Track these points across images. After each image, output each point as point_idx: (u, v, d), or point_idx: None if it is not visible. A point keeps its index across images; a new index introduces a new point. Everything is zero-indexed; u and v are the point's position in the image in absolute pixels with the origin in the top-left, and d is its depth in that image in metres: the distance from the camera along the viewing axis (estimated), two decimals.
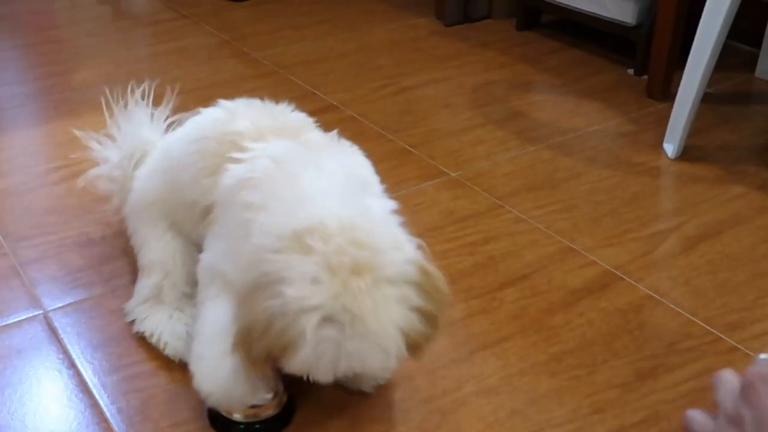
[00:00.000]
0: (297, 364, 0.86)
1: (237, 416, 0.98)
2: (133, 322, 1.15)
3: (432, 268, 0.92)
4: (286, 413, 1.01)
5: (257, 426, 0.99)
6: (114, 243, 1.35)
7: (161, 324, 1.13)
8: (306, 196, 0.92)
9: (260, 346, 0.87)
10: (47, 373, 1.08)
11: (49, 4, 2.54)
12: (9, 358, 1.11)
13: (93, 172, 1.35)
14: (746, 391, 0.63)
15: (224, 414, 0.99)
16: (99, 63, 2.09)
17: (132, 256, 1.31)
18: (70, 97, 1.88)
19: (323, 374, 0.87)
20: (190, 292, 1.13)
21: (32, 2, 2.54)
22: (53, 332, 1.16)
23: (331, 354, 0.85)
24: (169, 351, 1.10)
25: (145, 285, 1.16)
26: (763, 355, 0.64)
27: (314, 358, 0.85)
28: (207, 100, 1.13)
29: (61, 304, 1.21)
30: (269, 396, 0.98)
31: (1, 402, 1.03)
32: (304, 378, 0.88)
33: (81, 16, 2.43)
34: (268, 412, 0.99)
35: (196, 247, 1.11)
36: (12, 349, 1.12)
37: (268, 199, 0.93)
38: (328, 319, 0.84)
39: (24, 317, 1.19)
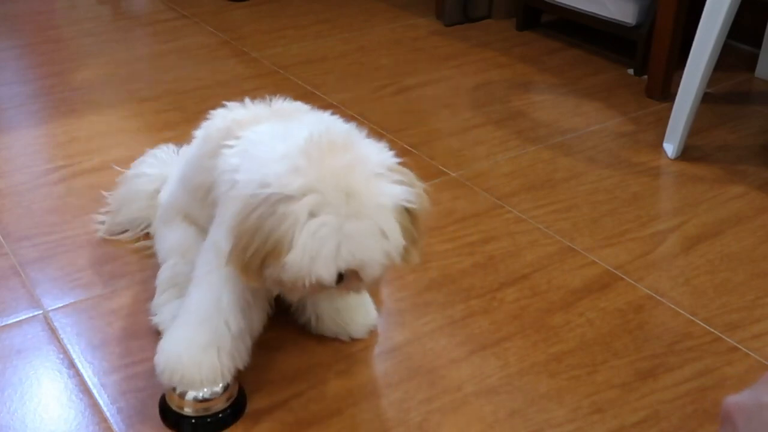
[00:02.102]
0: (296, 259, 0.86)
1: (187, 410, 0.99)
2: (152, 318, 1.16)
3: (410, 172, 0.95)
4: (236, 407, 1.01)
5: (208, 420, 0.99)
6: (114, 243, 1.35)
7: (172, 315, 1.12)
8: (282, 149, 0.94)
9: (254, 250, 0.88)
10: (47, 373, 1.08)
11: (49, 4, 2.54)
12: (9, 358, 1.11)
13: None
14: (724, 423, 0.59)
15: (175, 408, 0.99)
16: (99, 63, 2.09)
17: (132, 256, 1.31)
18: (70, 97, 1.88)
19: (324, 266, 0.86)
20: None
21: (32, 2, 2.54)
22: (53, 332, 1.16)
23: (331, 238, 0.86)
24: None
25: (161, 274, 1.17)
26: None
27: (313, 247, 0.86)
28: (207, 100, 1.14)
29: (61, 304, 1.21)
30: (219, 389, 0.99)
31: (1, 402, 1.03)
32: (304, 283, 0.87)
33: (81, 16, 2.43)
34: (219, 406, 0.99)
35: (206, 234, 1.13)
36: (12, 349, 1.12)
37: (245, 160, 0.95)
38: (322, 203, 0.86)
39: (24, 317, 1.19)
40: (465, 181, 1.55)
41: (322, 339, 1.14)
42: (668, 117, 1.66)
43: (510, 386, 1.07)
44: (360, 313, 1.14)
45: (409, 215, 0.93)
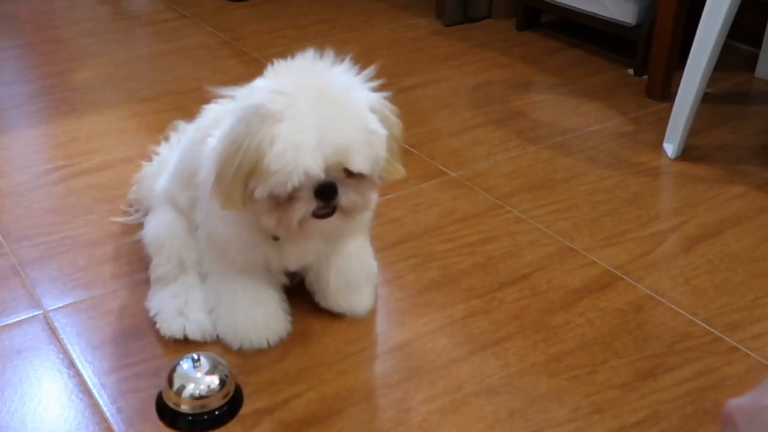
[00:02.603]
0: (281, 149, 0.89)
1: (184, 408, 1.00)
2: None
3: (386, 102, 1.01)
4: (233, 404, 1.02)
5: (205, 417, 1.00)
6: (114, 243, 1.35)
7: (162, 302, 1.15)
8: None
9: (236, 169, 0.92)
10: (47, 373, 1.08)
11: (49, 4, 2.54)
12: (9, 358, 1.11)
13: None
14: (726, 425, 0.59)
15: (171, 406, 1.00)
16: (99, 63, 2.09)
17: (132, 256, 1.31)
18: (70, 97, 1.88)
19: (309, 154, 0.88)
20: (195, 266, 1.18)
21: (32, 2, 2.54)
22: (53, 332, 1.16)
23: (311, 127, 0.89)
24: (162, 330, 1.13)
25: (151, 273, 1.19)
26: None
27: (293, 134, 0.89)
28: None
29: (61, 304, 1.21)
30: (216, 386, 1.00)
31: (1, 402, 1.03)
32: (294, 182, 0.89)
33: (81, 16, 2.43)
34: (215, 403, 1.00)
35: (191, 223, 1.18)
36: (12, 349, 1.12)
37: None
38: (296, 101, 0.90)
39: (24, 317, 1.19)
40: (465, 181, 1.55)
41: (322, 339, 1.14)
42: (668, 117, 1.66)
43: (510, 386, 1.07)
44: (363, 292, 1.18)
45: (385, 120, 0.97)
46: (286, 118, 0.90)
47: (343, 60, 1.02)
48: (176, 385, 1.00)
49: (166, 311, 1.13)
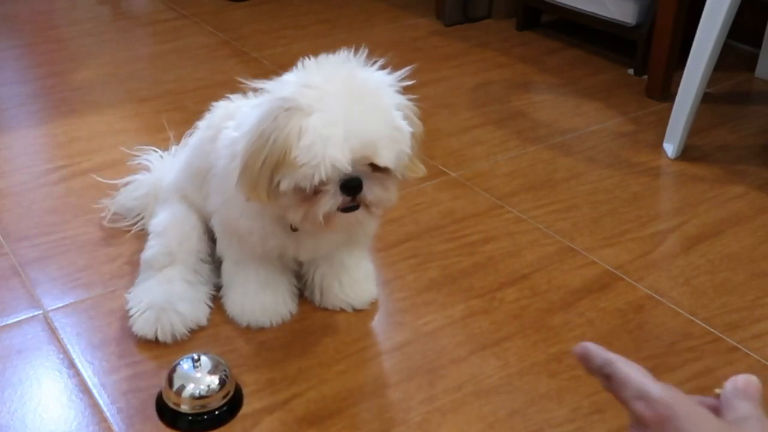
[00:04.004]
0: (309, 142, 0.90)
1: (184, 408, 1.00)
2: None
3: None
4: (233, 404, 1.02)
5: (205, 417, 1.00)
6: (114, 243, 1.35)
7: (142, 294, 1.15)
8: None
9: (262, 160, 0.92)
10: (47, 373, 1.08)
11: (49, 4, 2.54)
12: (9, 358, 1.11)
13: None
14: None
15: (171, 406, 1.00)
16: (99, 63, 2.09)
17: (132, 256, 1.31)
18: (70, 97, 1.88)
19: (336, 147, 0.89)
20: (196, 260, 1.20)
21: (32, 2, 2.54)
22: (53, 332, 1.16)
23: (339, 121, 0.90)
24: (134, 328, 1.13)
25: (144, 253, 1.21)
26: (718, 390, 0.62)
27: (321, 128, 0.89)
28: (207, 100, 1.14)
29: (61, 304, 1.21)
30: (216, 386, 1.01)
31: (1, 402, 1.03)
32: (321, 174, 0.90)
33: (81, 16, 2.43)
34: (215, 403, 1.00)
35: (201, 216, 1.21)
36: (12, 349, 1.12)
37: (242, 123, 1.01)
38: (323, 97, 0.91)
39: (24, 317, 1.19)
40: (465, 181, 1.55)
41: (322, 339, 1.15)
42: (668, 117, 1.66)
43: (510, 386, 1.07)
44: (362, 286, 1.19)
45: (409, 120, 0.99)
46: (314, 111, 0.91)
47: (374, 61, 1.04)
48: (176, 385, 1.00)
49: (141, 309, 1.13)
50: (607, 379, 0.58)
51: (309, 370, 1.09)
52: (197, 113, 1.21)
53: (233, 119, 1.06)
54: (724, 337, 1.16)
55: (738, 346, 1.14)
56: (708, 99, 1.84)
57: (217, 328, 1.16)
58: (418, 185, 1.53)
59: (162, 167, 1.40)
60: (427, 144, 1.68)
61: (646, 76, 1.95)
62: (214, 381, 1.01)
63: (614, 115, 1.83)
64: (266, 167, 0.93)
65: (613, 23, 2.04)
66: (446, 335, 1.15)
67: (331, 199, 0.94)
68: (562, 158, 1.64)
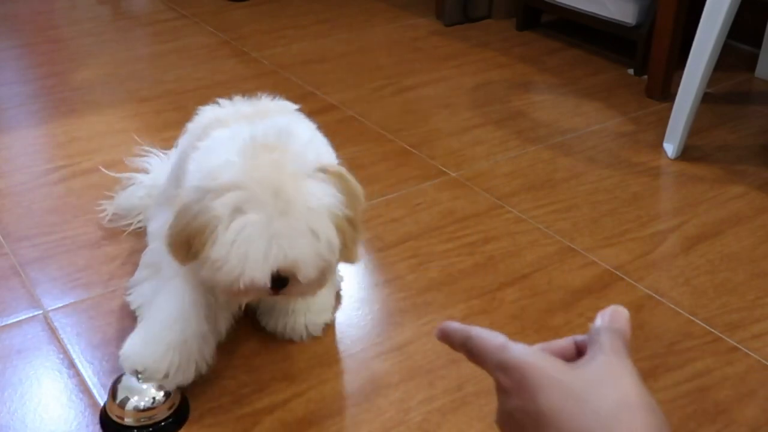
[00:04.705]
0: (225, 255, 0.86)
1: (129, 420, 0.97)
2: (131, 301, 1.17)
3: (345, 172, 0.95)
4: (179, 415, 1.00)
5: (150, 430, 0.97)
6: (114, 243, 1.35)
7: (146, 294, 1.14)
8: (226, 150, 0.95)
9: (180, 230, 0.91)
10: (47, 373, 1.08)
11: (49, 4, 2.54)
12: (9, 358, 1.11)
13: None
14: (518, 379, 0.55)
15: (115, 419, 0.98)
16: (99, 63, 2.09)
17: (132, 256, 1.31)
18: (70, 97, 1.88)
19: (256, 267, 0.86)
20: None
21: (32, 2, 2.54)
22: (53, 332, 1.16)
23: (260, 237, 0.86)
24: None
25: (144, 255, 1.20)
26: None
27: (242, 246, 0.86)
28: (207, 100, 1.13)
29: (61, 304, 1.21)
30: (161, 397, 0.97)
31: (1, 402, 1.03)
32: (239, 286, 0.87)
33: (81, 16, 2.43)
34: (161, 415, 0.98)
35: None
36: (12, 349, 1.12)
37: (196, 167, 0.97)
38: (248, 200, 0.87)
39: (24, 317, 1.19)
40: (465, 181, 1.55)
41: (322, 339, 1.14)
42: (668, 117, 1.66)
43: None
44: (313, 311, 1.13)
45: (345, 219, 0.93)
46: (236, 219, 0.87)
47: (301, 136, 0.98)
48: (120, 397, 0.98)
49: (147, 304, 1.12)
50: (470, 353, 0.58)
51: (309, 370, 1.09)
52: (195, 113, 1.21)
53: (206, 135, 1.02)
54: (724, 337, 1.16)
55: (738, 346, 1.14)
56: (708, 99, 1.84)
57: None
58: (418, 185, 1.53)
59: (160, 168, 1.40)
60: (427, 144, 1.69)
61: (646, 76, 1.95)
62: (159, 393, 0.98)
63: (614, 115, 1.83)
64: (184, 241, 0.91)
65: (613, 23, 2.04)
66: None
67: (255, 293, 0.92)
68: (562, 158, 1.64)
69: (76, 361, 1.10)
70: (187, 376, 1.00)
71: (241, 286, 0.88)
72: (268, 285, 0.89)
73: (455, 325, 0.59)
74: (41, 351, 1.12)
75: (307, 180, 0.90)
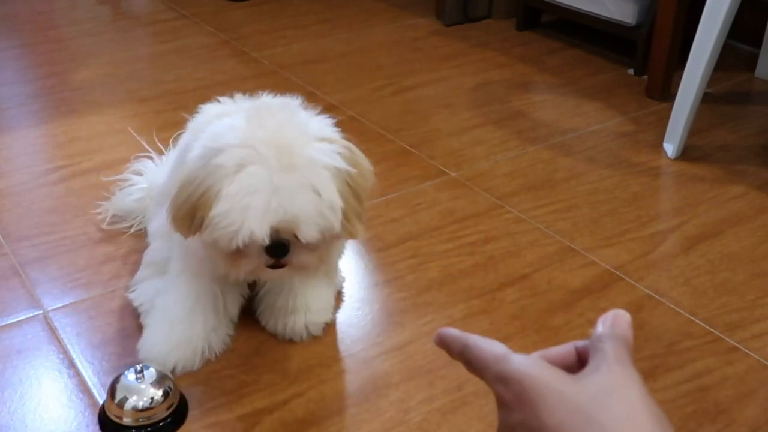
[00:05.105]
0: (225, 209, 0.87)
1: (127, 420, 0.97)
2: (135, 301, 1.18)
3: (355, 147, 0.96)
4: (177, 415, 1.00)
5: (149, 429, 0.97)
6: (114, 243, 1.35)
7: (149, 292, 1.14)
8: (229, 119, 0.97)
9: (185, 200, 0.91)
10: (47, 373, 1.08)
11: (49, 4, 2.54)
12: (9, 358, 1.11)
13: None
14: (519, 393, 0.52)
15: (113, 418, 0.98)
16: (99, 63, 2.09)
17: (132, 256, 1.31)
18: (70, 97, 1.88)
19: (255, 219, 0.86)
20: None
21: (32, 2, 2.54)
22: (53, 332, 1.16)
23: (261, 190, 0.86)
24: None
25: (146, 255, 1.20)
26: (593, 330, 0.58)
27: (243, 198, 0.86)
28: (207, 100, 1.13)
29: (61, 304, 1.21)
30: (159, 397, 0.98)
31: (1, 402, 1.03)
32: (238, 241, 0.87)
33: (81, 16, 2.43)
34: (159, 415, 0.98)
35: None
36: (12, 349, 1.12)
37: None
38: (252, 156, 0.87)
39: (24, 317, 1.19)
40: (465, 181, 1.55)
41: (322, 339, 1.14)
42: (668, 117, 1.66)
43: None
44: (313, 311, 1.13)
45: (349, 187, 0.93)
46: (239, 174, 0.88)
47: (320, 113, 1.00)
48: (119, 396, 0.98)
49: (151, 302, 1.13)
50: (467, 363, 0.56)
51: (309, 370, 1.09)
52: (196, 112, 1.21)
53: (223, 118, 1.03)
54: (724, 337, 1.16)
55: (738, 346, 1.14)
56: (708, 99, 1.84)
57: None
58: (418, 185, 1.53)
59: (158, 169, 1.39)
60: (427, 144, 1.69)
61: (646, 76, 1.95)
62: (158, 393, 0.98)
63: (614, 115, 1.83)
64: (187, 207, 0.92)
65: (613, 23, 2.04)
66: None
67: (255, 259, 0.92)
68: (562, 158, 1.64)
69: (76, 361, 1.10)
70: (192, 366, 1.07)
71: (240, 242, 0.88)
72: (266, 241, 0.89)
73: (453, 332, 0.57)
74: (41, 351, 1.12)
75: (312, 142, 0.92)
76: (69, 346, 1.13)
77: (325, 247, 0.96)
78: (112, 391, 0.99)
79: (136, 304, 1.16)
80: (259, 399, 1.04)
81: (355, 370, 1.10)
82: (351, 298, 1.24)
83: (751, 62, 2.06)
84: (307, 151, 0.90)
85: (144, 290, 1.16)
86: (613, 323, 0.57)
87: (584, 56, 2.14)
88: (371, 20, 2.40)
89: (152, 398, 0.98)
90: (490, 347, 0.54)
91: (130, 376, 0.99)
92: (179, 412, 1.00)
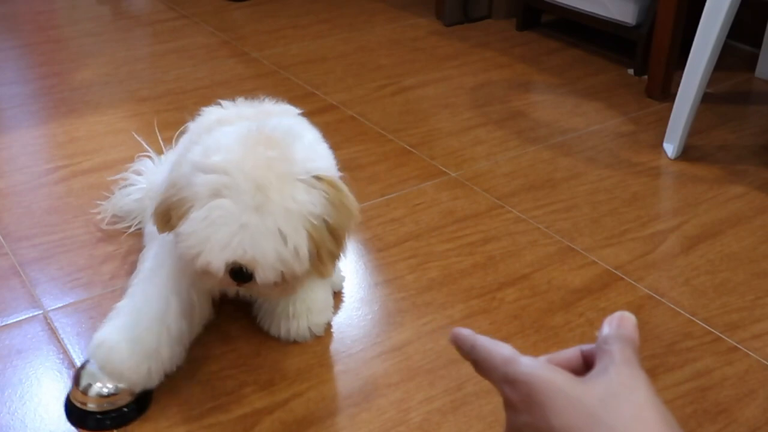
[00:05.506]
0: (190, 232, 0.87)
1: (91, 406, 0.99)
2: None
3: (342, 185, 0.94)
4: (141, 401, 1.01)
5: (113, 415, 0.99)
6: (114, 243, 1.35)
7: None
8: (225, 137, 0.95)
9: (164, 200, 0.92)
10: (47, 373, 1.08)
11: (49, 4, 2.54)
12: (9, 358, 1.11)
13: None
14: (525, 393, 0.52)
15: (78, 405, 1.00)
16: (99, 63, 2.09)
17: (131, 256, 1.31)
18: (70, 97, 1.88)
19: (213, 252, 0.86)
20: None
21: (32, 2, 2.54)
22: (53, 332, 1.16)
23: (225, 225, 0.85)
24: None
25: (142, 254, 1.18)
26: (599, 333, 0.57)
27: (207, 227, 0.86)
28: (207, 100, 1.13)
29: (61, 304, 1.21)
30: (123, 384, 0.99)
31: (1, 402, 1.03)
32: (195, 265, 0.87)
33: (81, 16, 2.43)
34: (123, 401, 1.00)
35: None
36: (12, 349, 1.12)
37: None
38: (228, 186, 0.86)
39: (24, 317, 1.19)
40: (465, 181, 1.55)
41: (322, 339, 1.14)
42: (668, 117, 1.66)
43: None
44: (314, 312, 1.13)
45: (327, 228, 0.91)
46: (212, 201, 0.87)
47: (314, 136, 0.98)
48: (83, 383, 1.00)
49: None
50: (475, 364, 0.56)
51: (309, 370, 1.09)
52: (197, 113, 1.21)
53: (224, 124, 1.02)
54: (724, 337, 1.16)
55: (738, 346, 1.14)
56: (708, 99, 1.84)
57: (217, 328, 1.16)
58: (418, 185, 1.53)
59: (157, 169, 1.39)
60: (427, 144, 1.69)
61: (646, 76, 1.95)
62: None
63: (614, 115, 1.83)
64: (165, 209, 0.93)
65: (613, 23, 2.04)
66: (446, 335, 1.15)
67: (218, 278, 0.91)
68: (562, 158, 1.64)
69: (76, 361, 1.10)
70: (153, 382, 1.01)
71: (197, 267, 0.88)
72: (221, 274, 0.88)
73: (464, 332, 0.57)
74: (41, 351, 1.12)
75: (294, 184, 0.89)
76: (69, 346, 1.13)
77: (288, 284, 0.93)
78: (77, 378, 1.01)
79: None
80: (259, 399, 1.04)
81: (355, 370, 1.10)
82: (351, 298, 1.24)
83: (751, 62, 2.06)
84: (285, 196, 0.88)
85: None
86: (619, 325, 0.57)
87: (584, 56, 2.14)
88: (371, 20, 2.40)
89: (116, 385, 0.99)
90: (498, 349, 0.54)
91: (95, 363, 1.01)
92: (142, 398, 1.02)
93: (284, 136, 0.93)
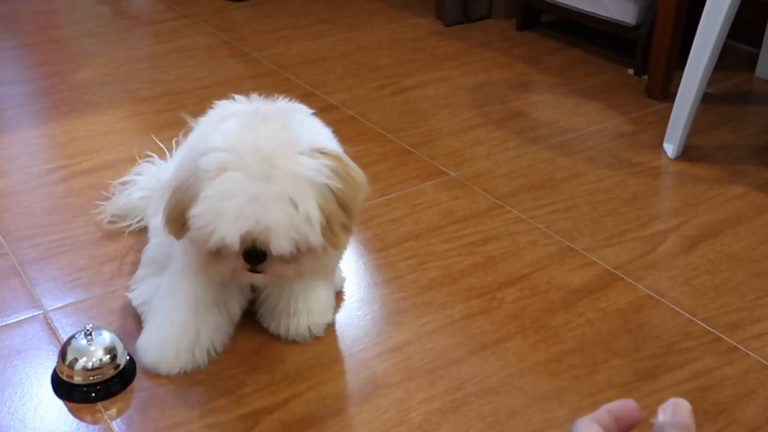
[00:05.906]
0: (202, 210, 0.88)
1: (78, 379, 1.03)
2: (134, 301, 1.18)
3: (346, 157, 0.96)
4: (124, 375, 1.05)
5: (98, 387, 1.03)
6: (114, 243, 1.35)
7: (150, 291, 1.14)
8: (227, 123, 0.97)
9: (176, 201, 0.92)
10: (47, 373, 1.08)
11: (49, 4, 2.54)
12: (9, 358, 1.11)
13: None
14: None
15: (65, 378, 1.03)
16: (99, 63, 2.09)
17: (131, 255, 1.31)
18: (70, 97, 1.88)
19: (227, 224, 0.87)
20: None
21: (32, 2, 2.54)
22: (53, 332, 1.16)
23: (236, 196, 0.86)
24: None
25: (146, 251, 1.21)
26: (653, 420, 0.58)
27: (218, 202, 0.87)
28: (206, 100, 1.13)
29: (61, 304, 1.21)
30: (107, 358, 1.03)
31: (1, 402, 1.03)
32: (210, 244, 0.88)
33: (81, 16, 2.43)
34: (107, 374, 1.03)
35: None
36: (12, 349, 1.12)
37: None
38: (234, 161, 0.87)
39: (24, 317, 1.19)
40: (465, 181, 1.55)
41: (322, 339, 1.14)
42: (668, 117, 1.66)
43: (510, 386, 1.07)
44: (315, 312, 1.13)
45: (336, 198, 0.93)
46: (219, 177, 0.88)
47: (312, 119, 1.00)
48: (69, 358, 1.04)
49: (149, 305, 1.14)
50: None
51: (309, 370, 1.09)
52: (197, 113, 1.21)
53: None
54: (724, 337, 1.16)
55: (738, 346, 1.14)
56: (708, 99, 1.84)
57: None
58: (418, 185, 1.53)
59: (157, 168, 1.39)
60: (427, 144, 1.69)
61: (646, 76, 1.95)
62: (106, 355, 1.04)
63: (614, 115, 1.83)
64: (176, 209, 0.93)
65: (613, 23, 2.04)
66: (446, 335, 1.15)
67: (231, 262, 0.92)
68: (562, 158, 1.64)
69: None
70: (197, 364, 1.07)
71: (212, 244, 0.88)
72: (236, 247, 0.89)
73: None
74: (41, 351, 1.12)
75: (297, 152, 0.91)
76: None
77: (303, 260, 0.94)
78: (63, 354, 1.04)
79: (135, 303, 1.16)
80: (259, 399, 1.04)
81: (355, 370, 1.10)
82: (351, 298, 1.24)
83: (751, 62, 2.06)
84: (290, 163, 0.89)
85: (144, 289, 1.16)
86: (674, 412, 0.57)
87: (584, 56, 2.14)
88: (371, 20, 2.40)
89: (101, 359, 1.03)
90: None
91: (81, 339, 1.04)
92: (125, 372, 1.05)
93: (281, 114, 0.96)
